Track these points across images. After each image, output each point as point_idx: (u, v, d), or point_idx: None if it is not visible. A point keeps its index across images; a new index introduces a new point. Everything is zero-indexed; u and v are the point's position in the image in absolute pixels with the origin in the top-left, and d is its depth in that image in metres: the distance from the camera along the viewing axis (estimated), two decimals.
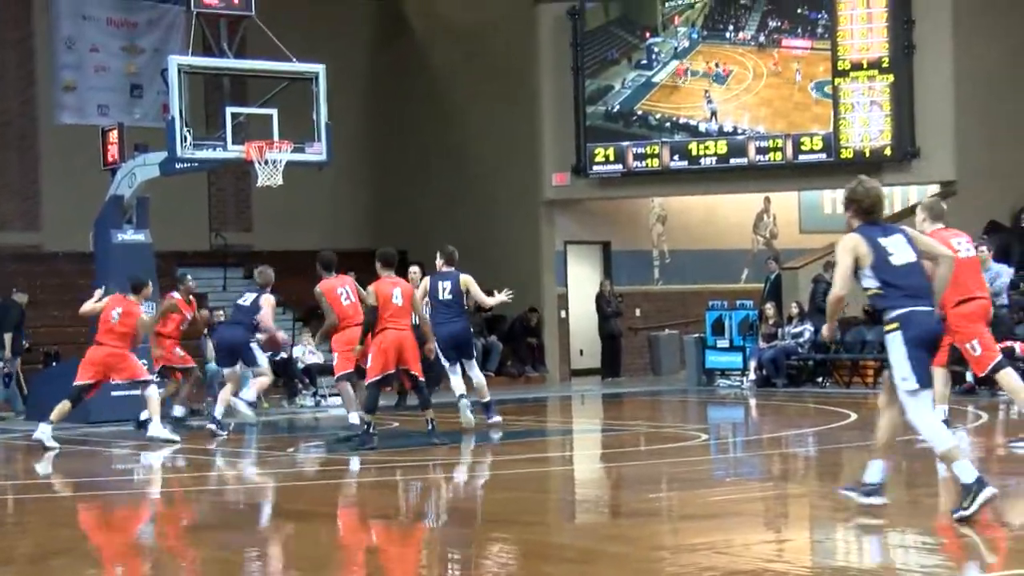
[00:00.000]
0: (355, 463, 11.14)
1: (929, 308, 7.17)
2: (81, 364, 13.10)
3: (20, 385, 17.84)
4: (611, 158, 21.97)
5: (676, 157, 21.71)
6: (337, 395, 14.97)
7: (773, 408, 16.53)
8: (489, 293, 13.59)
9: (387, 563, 7.03)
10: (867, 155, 20.93)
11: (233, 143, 14.95)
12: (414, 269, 14.82)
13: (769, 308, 19.75)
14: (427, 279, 13.57)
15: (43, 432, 12.76)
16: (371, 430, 11.66)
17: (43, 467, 11.79)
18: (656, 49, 22.07)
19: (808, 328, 18.95)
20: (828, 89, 21.04)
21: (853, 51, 21.00)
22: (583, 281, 23.63)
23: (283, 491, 9.91)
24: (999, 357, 10.98)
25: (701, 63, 21.86)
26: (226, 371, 14.17)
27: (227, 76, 15.61)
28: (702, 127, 21.78)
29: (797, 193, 24.11)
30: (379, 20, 25.62)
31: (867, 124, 20.93)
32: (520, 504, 8.71)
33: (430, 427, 11.85)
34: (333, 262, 13.16)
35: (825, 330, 7.71)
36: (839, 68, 20.96)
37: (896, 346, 7.08)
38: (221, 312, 17.82)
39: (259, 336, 14.10)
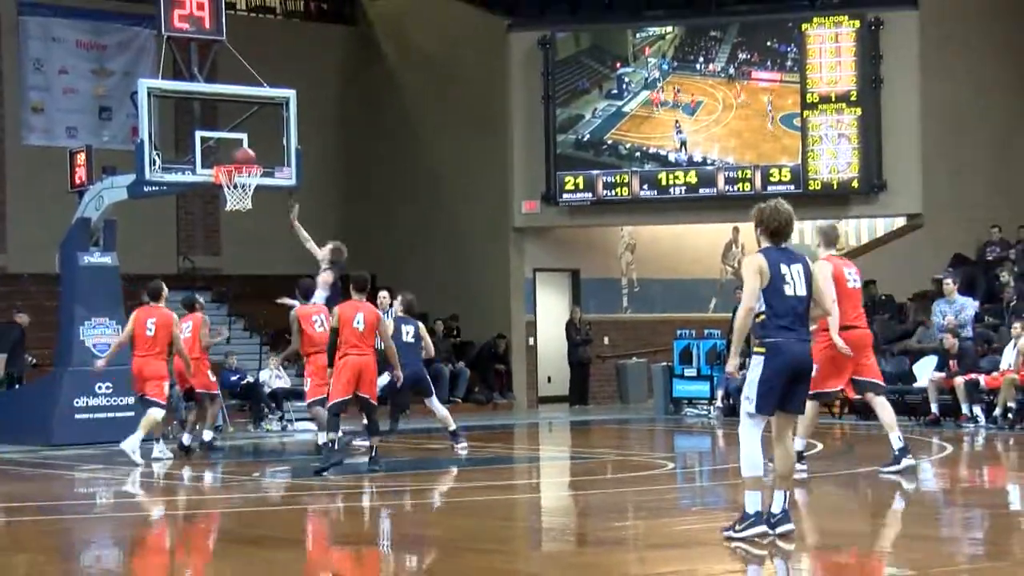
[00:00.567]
0: (322, 486, 11.08)
1: (801, 338, 7.40)
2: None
3: None
4: (581, 186, 22.04)
5: (646, 186, 21.81)
6: (304, 419, 14.92)
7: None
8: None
9: None
10: (835, 187, 21.09)
11: (202, 167, 14.90)
12: (383, 294, 14.84)
13: None
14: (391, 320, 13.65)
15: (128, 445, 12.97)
16: (334, 446, 11.82)
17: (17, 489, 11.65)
18: (627, 79, 22.19)
19: None
20: (797, 121, 21.21)
21: (822, 84, 21.19)
22: (552, 308, 23.65)
23: (245, 516, 9.83)
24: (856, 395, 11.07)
25: (671, 94, 22.00)
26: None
27: (197, 100, 15.58)
28: (672, 157, 21.89)
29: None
30: (350, 46, 25.65)
31: (835, 156, 21.10)
32: (485, 531, 8.67)
33: (372, 454, 11.90)
34: (312, 289, 13.31)
35: (729, 365, 7.77)
36: (808, 101, 21.14)
37: (755, 369, 7.40)
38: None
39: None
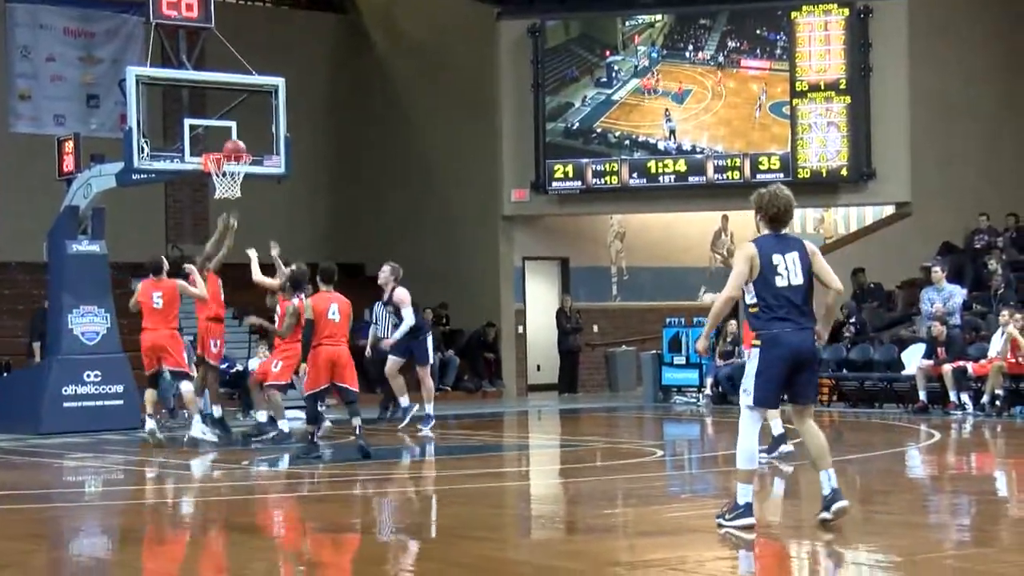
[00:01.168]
0: (306, 475, 11.08)
1: (800, 327, 7.33)
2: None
3: None
4: (570, 175, 22.03)
5: (635, 175, 21.81)
6: (294, 407, 14.92)
7: (729, 425, 16.56)
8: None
9: None
10: (824, 175, 21.12)
11: (191, 155, 14.86)
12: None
13: (731, 325, 19.84)
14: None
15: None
16: (314, 439, 11.99)
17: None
18: (616, 67, 22.17)
19: None
20: (786, 110, 21.22)
21: (811, 72, 21.21)
22: (541, 297, 23.65)
23: (233, 504, 9.83)
24: None
25: (661, 82, 21.99)
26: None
27: (186, 88, 15.52)
28: (661, 145, 21.89)
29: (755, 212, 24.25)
30: (340, 34, 25.59)
31: (824, 145, 21.12)
32: (476, 519, 8.68)
33: (357, 432, 12.00)
34: (303, 280, 13.33)
35: (699, 343, 8.00)
36: (797, 89, 21.15)
37: (752, 361, 7.41)
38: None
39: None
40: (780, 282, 7.36)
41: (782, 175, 20.99)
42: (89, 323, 15.96)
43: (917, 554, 6.81)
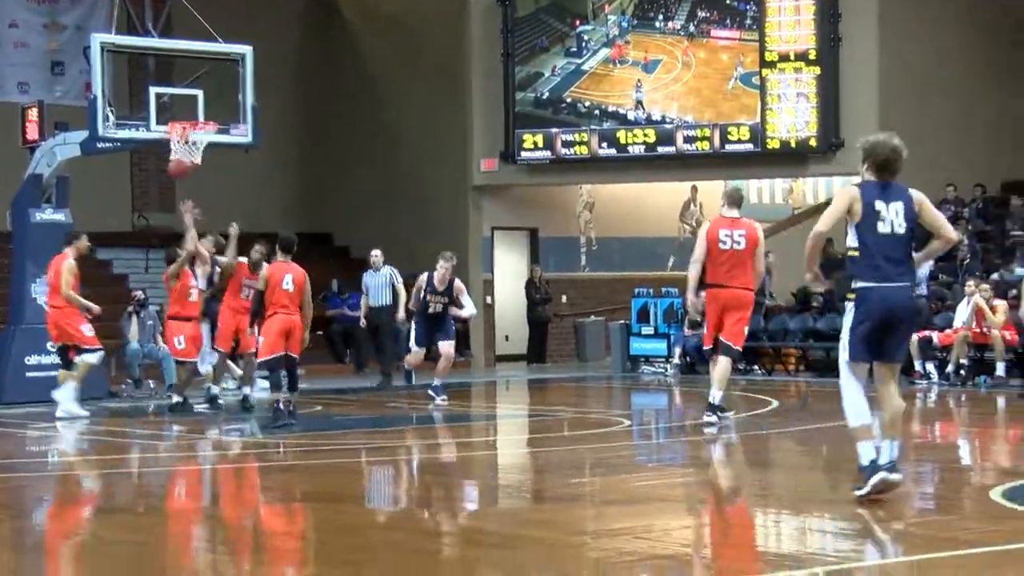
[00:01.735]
0: (273, 446, 11.05)
1: (896, 284, 7.16)
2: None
3: None
4: (539, 145, 21.98)
5: (604, 145, 21.77)
6: (264, 378, 14.88)
7: (696, 395, 16.62)
8: (413, 276, 14.57)
9: (304, 548, 6.96)
10: (793, 145, 21.13)
11: (157, 123, 14.73)
12: (375, 252, 16.08)
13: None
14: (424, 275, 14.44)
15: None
16: (280, 407, 12.01)
17: None
18: (586, 37, 22.09)
19: None
20: (755, 80, 21.20)
21: (781, 43, 21.17)
22: (510, 267, 23.62)
23: (205, 475, 9.80)
24: (709, 347, 11.65)
25: (631, 52, 21.93)
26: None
27: (151, 55, 15.38)
28: (631, 115, 21.85)
29: (724, 182, 24.30)
30: (309, 4, 25.37)
31: (793, 115, 21.12)
32: (442, 488, 8.68)
33: (289, 409, 11.97)
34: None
35: (808, 275, 7.49)
36: (766, 59, 21.12)
37: (847, 317, 7.28)
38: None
39: None
40: (882, 228, 7.18)
41: (751, 145, 21.01)
42: None
43: (881, 521, 6.85)
